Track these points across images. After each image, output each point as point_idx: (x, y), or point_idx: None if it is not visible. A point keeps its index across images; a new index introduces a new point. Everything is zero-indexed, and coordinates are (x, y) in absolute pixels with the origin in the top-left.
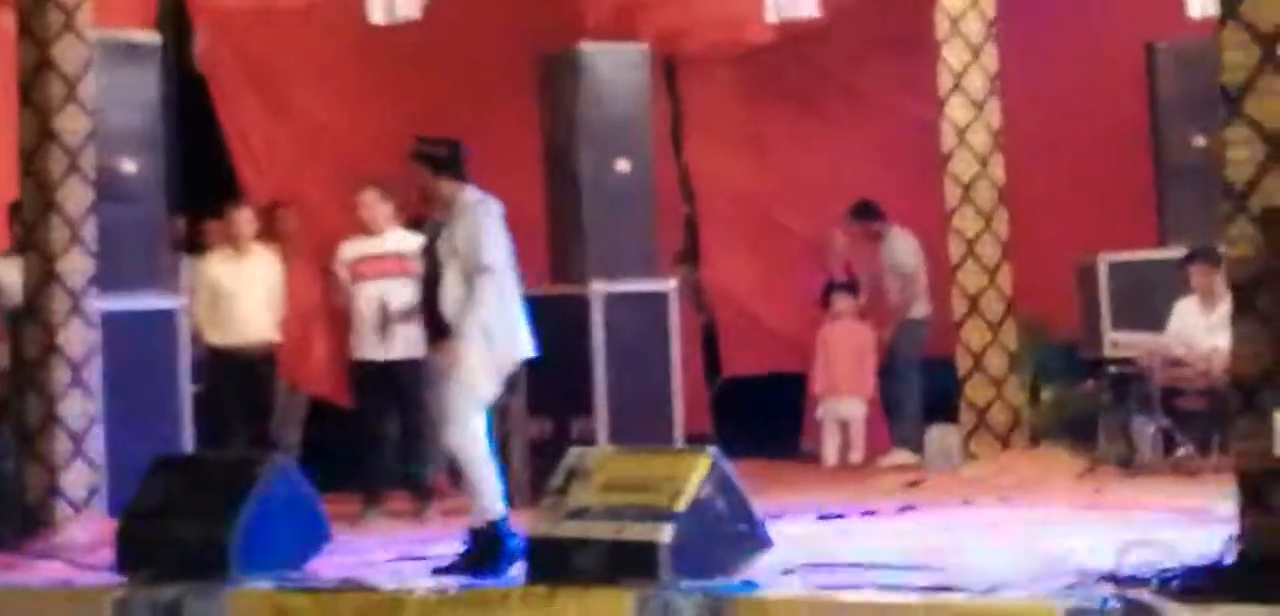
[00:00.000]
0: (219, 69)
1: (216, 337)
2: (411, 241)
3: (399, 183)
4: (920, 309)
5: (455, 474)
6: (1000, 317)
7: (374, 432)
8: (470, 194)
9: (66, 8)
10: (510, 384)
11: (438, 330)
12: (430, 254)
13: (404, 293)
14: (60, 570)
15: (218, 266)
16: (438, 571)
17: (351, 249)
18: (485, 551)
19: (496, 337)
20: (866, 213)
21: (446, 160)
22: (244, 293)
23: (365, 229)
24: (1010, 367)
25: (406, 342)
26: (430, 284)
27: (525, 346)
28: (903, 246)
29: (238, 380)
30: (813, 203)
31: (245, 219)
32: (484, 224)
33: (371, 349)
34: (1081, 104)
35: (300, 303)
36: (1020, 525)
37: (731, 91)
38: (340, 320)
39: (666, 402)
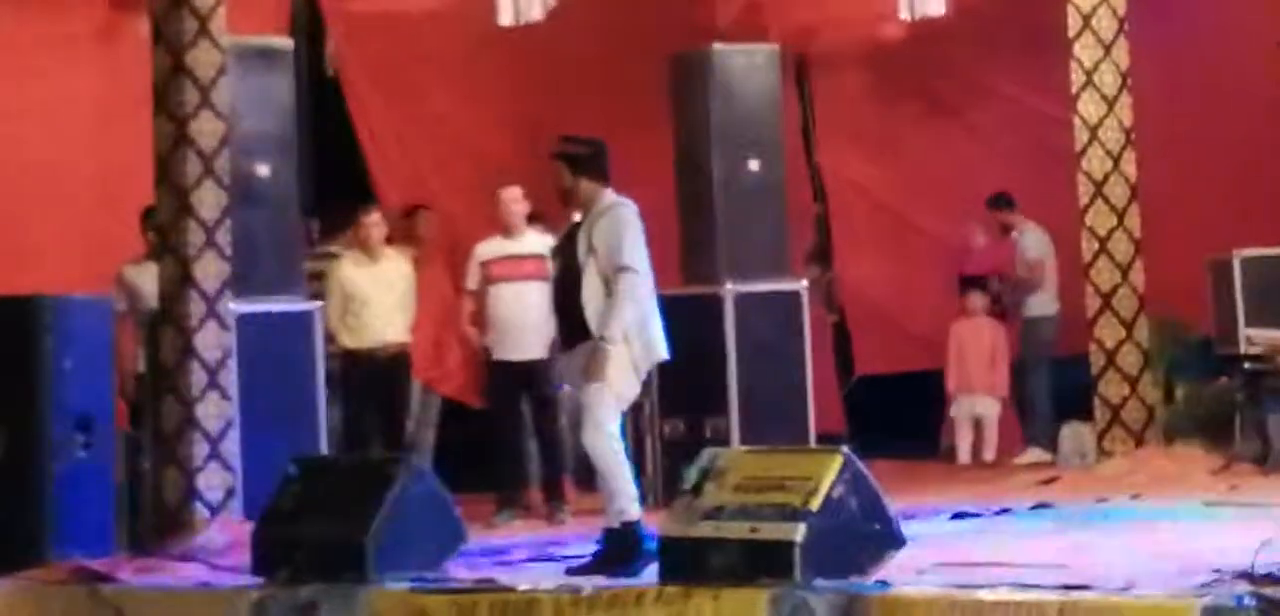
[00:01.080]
0: (350, 72)
1: (350, 341)
2: (546, 243)
3: (530, 183)
4: (1048, 306)
5: (584, 475)
6: (1133, 315)
7: (508, 434)
8: (609, 195)
9: (200, 14)
10: (644, 384)
11: (574, 331)
12: (565, 254)
13: (541, 294)
14: (198, 572)
15: (351, 270)
16: (571, 572)
17: (487, 249)
18: (620, 551)
19: (635, 339)
20: (1000, 202)
21: (588, 159)
22: (377, 296)
23: (500, 229)
24: (1144, 365)
25: (542, 343)
26: (565, 284)
27: (661, 348)
28: (1032, 240)
29: (372, 383)
30: (944, 201)
31: (374, 223)
32: (624, 225)
33: (509, 350)
34: (1213, 99)
35: (436, 305)
36: (1155, 522)
37: (862, 90)
38: (476, 321)
39: (799, 402)
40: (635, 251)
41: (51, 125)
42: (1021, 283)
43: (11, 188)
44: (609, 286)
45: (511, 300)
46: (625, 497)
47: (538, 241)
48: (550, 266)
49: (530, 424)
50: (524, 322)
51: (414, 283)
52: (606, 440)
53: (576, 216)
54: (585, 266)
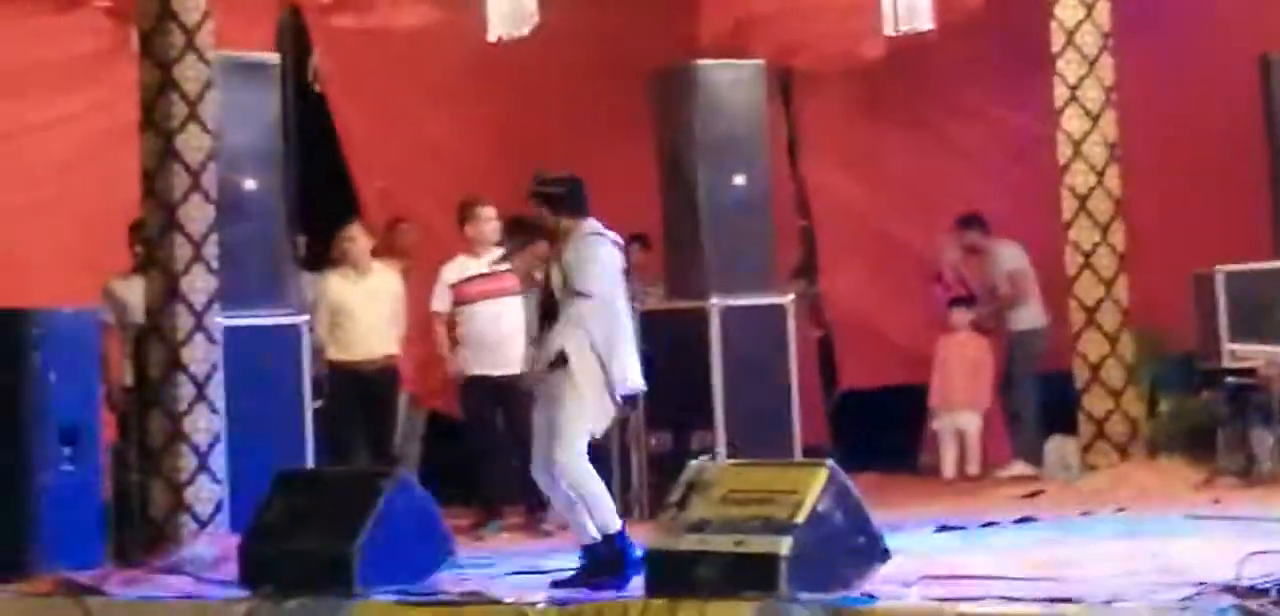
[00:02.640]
0: (335, 87)
1: (338, 354)
2: None
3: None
4: (1035, 319)
5: (539, 498)
6: (1117, 329)
7: (488, 448)
8: (587, 225)
9: (187, 29)
10: (630, 400)
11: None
12: (546, 281)
13: (517, 309)
14: (186, 585)
15: (339, 284)
16: (558, 584)
17: (455, 270)
18: (607, 563)
19: (606, 366)
20: (969, 223)
21: (565, 197)
22: (365, 309)
23: (469, 248)
24: (1128, 379)
25: (518, 358)
26: (546, 310)
27: (636, 377)
28: (1007, 253)
29: (359, 396)
30: (929, 216)
31: (351, 238)
32: (587, 253)
33: (486, 365)
34: (1197, 115)
35: (421, 318)
36: (1139, 536)
37: (847, 106)
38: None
39: (784, 415)
40: (598, 280)
41: (49, 142)
42: (1004, 297)
43: (6, 203)
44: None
45: (490, 318)
46: (605, 510)
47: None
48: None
49: (505, 438)
50: (501, 338)
51: (404, 296)
52: (577, 459)
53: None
54: (559, 293)
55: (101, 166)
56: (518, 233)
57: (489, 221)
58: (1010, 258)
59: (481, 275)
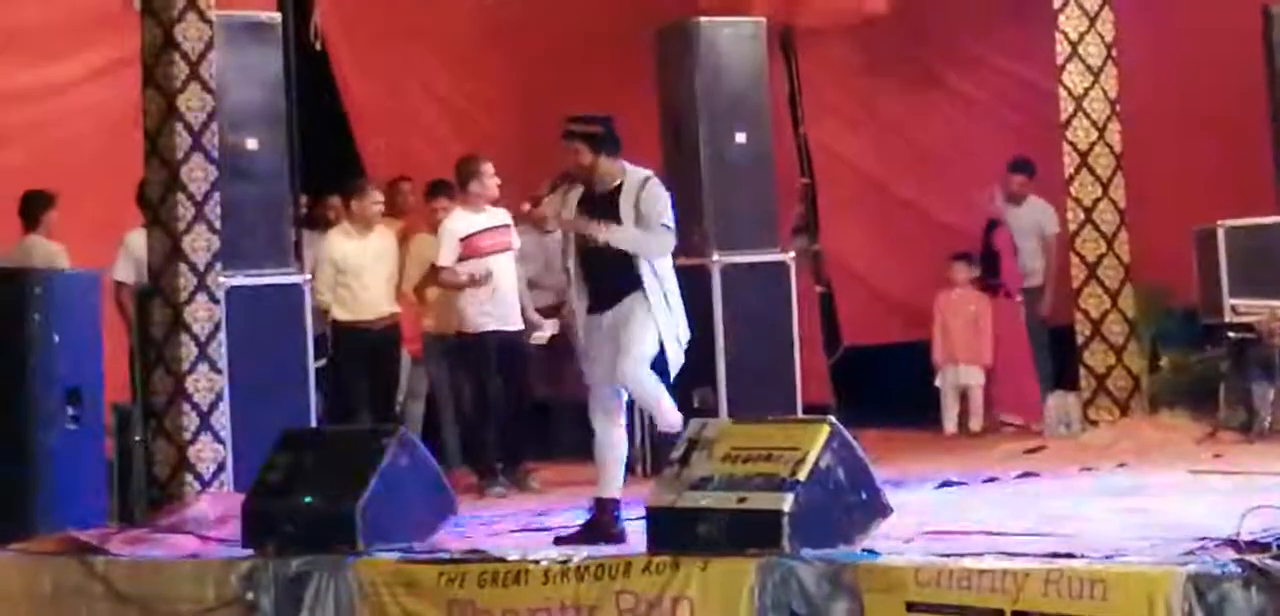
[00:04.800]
0: (336, 45)
1: (341, 313)
2: (506, 216)
3: (518, 154)
4: (1039, 277)
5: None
6: (1119, 284)
7: (494, 405)
8: (630, 167)
9: None
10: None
11: (603, 298)
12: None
13: (514, 264)
14: (189, 543)
15: (342, 243)
16: (559, 541)
17: (462, 224)
18: (601, 525)
19: (676, 306)
20: (1018, 167)
21: (604, 136)
22: (369, 268)
23: (471, 204)
24: (1129, 334)
25: (518, 315)
26: (593, 254)
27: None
28: (1047, 214)
29: (362, 355)
30: (931, 173)
31: (375, 199)
32: (659, 193)
33: (497, 320)
34: (1199, 69)
35: (411, 276)
36: (1140, 491)
37: (848, 62)
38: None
39: (786, 372)
40: (669, 213)
41: (60, 105)
42: (1050, 266)
43: (24, 169)
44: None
45: (500, 271)
46: (668, 410)
47: (503, 213)
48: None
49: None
50: (512, 293)
51: (398, 255)
52: (642, 367)
53: (597, 188)
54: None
55: (114, 129)
56: (563, 183)
57: (491, 178)
58: (1051, 219)
59: (485, 230)
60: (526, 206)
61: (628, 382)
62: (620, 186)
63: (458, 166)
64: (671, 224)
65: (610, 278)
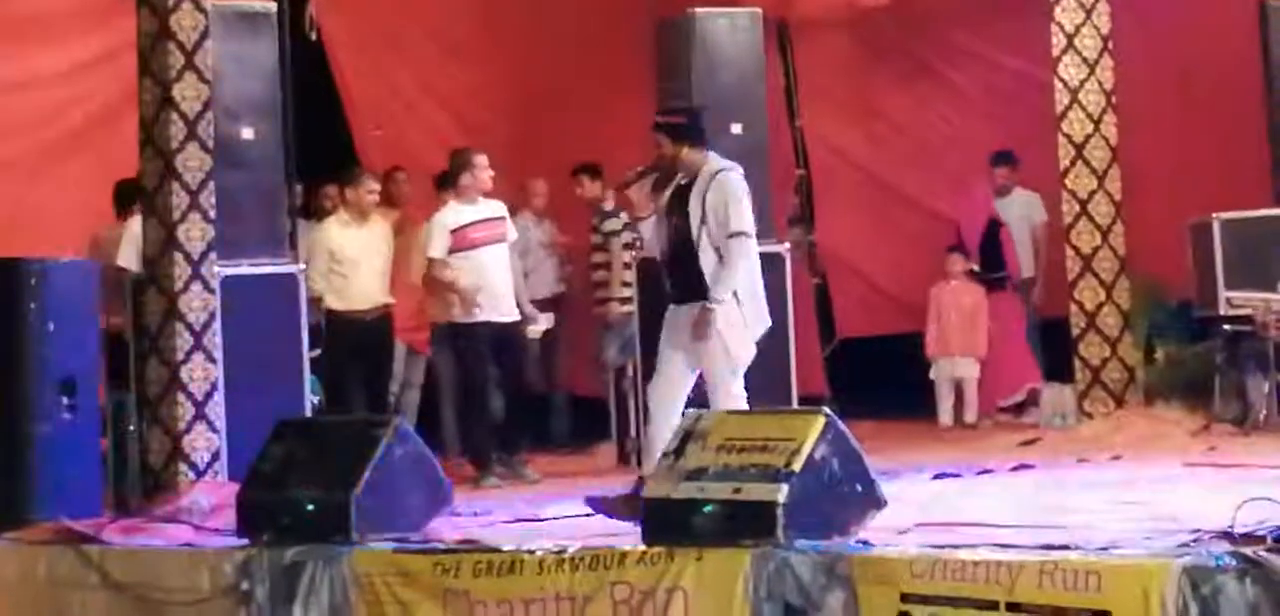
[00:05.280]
0: (332, 35)
1: (334, 302)
2: (501, 206)
3: (514, 146)
4: (1029, 268)
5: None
6: (1114, 277)
7: (482, 397)
8: (714, 159)
9: None
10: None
11: (685, 292)
12: (674, 215)
13: (506, 257)
14: (183, 533)
15: (337, 232)
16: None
17: (452, 217)
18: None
19: (747, 302)
20: (1000, 159)
21: (688, 128)
22: (364, 259)
23: (464, 196)
24: (1124, 327)
25: (512, 306)
26: (677, 245)
27: (767, 314)
28: (1033, 203)
29: (356, 345)
30: (926, 165)
31: (369, 188)
32: (733, 193)
33: (490, 312)
34: (1195, 62)
35: (419, 267)
36: (1135, 483)
37: (844, 54)
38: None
39: (782, 364)
40: (745, 217)
41: (57, 93)
42: (1041, 257)
43: (13, 155)
44: (721, 254)
45: (492, 263)
46: None
47: (495, 206)
48: (510, 228)
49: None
50: (497, 284)
51: (392, 245)
52: (733, 403)
53: (681, 179)
54: (699, 235)
55: (110, 117)
56: (650, 171)
57: (484, 170)
58: (1038, 209)
59: (477, 221)
60: (619, 189)
61: (733, 402)
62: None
63: (451, 158)
64: (743, 224)
65: (686, 275)
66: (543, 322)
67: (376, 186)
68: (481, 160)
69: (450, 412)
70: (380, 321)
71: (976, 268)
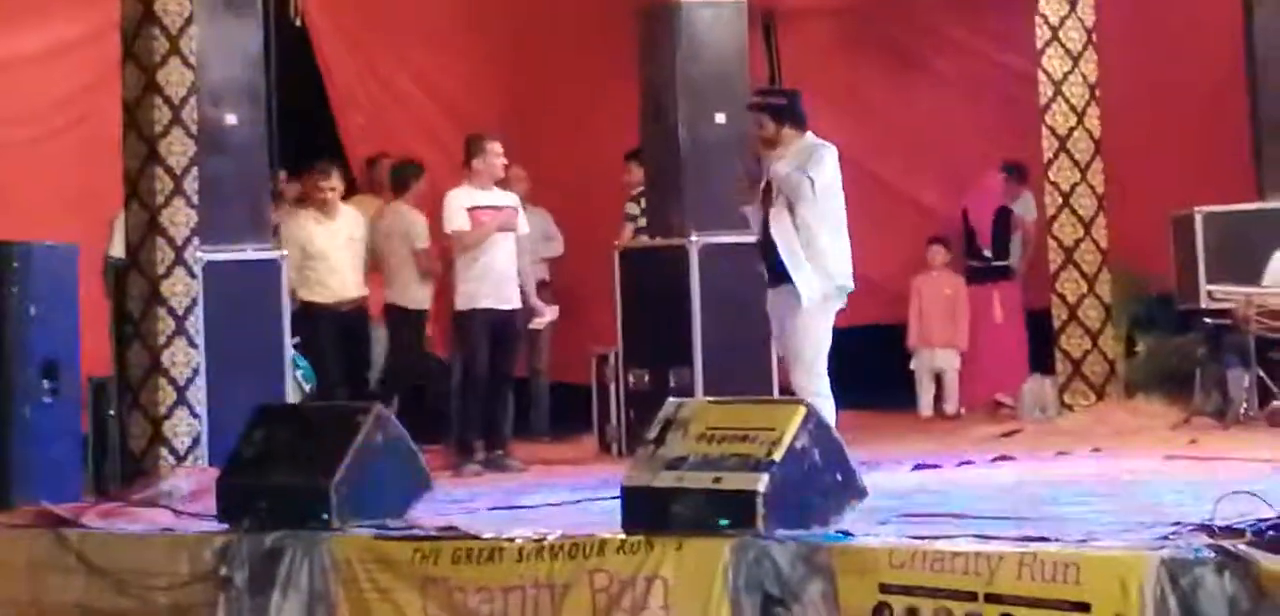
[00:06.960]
0: (318, 21)
1: (309, 295)
2: (513, 196)
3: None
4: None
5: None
6: (1096, 269)
7: (483, 383)
8: (810, 138)
9: None
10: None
11: (772, 276)
12: (770, 201)
13: (513, 246)
14: (163, 518)
15: (310, 226)
16: None
17: (467, 197)
18: None
19: (829, 267)
20: (1012, 171)
21: (787, 108)
22: (332, 251)
23: (476, 181)
24: (1106, 319)
25: (515, 294)
26: (765, 233)
27: (849, 275)
28: (1027, 202)
29: (334, 334)
30: (910, 155)
31: (332, 187)
32: (814, 152)
33: (495, 299)
34: (1178, 56)
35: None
36: (1115, 476)
37: (828, 45)
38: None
39: (763, 353)
40: (821, 168)
41: (44, 74)
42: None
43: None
44: (793, 213)
45: (497, 250)
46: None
47: (512, 195)
48: (522, 220)
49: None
50: (504, 271)
51: (367, 233)
52: (814, 380)
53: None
54: (776, 203)
55: (97, 100)
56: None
57: (496, 156)
58: (1029, 207)
59: (488, 207)
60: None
61: (800, 394)
62: None
63: (465, 142)
64: (812, 172)
65: (772, 260)
66: (549, 315)
67: (336, 181)
68: (495, 147)
69: (455, 396)
70: (354, 313)
71: (988, 254)
